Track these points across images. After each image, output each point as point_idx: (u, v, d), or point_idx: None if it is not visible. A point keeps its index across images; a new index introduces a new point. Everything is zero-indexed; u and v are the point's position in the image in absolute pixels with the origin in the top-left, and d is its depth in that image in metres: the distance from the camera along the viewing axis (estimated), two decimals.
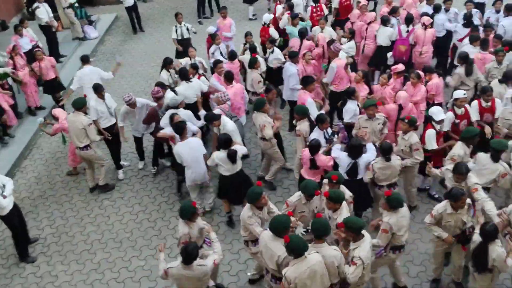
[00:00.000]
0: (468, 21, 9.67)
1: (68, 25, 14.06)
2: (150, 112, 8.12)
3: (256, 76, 9.08)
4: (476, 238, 5.11)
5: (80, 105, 7.83)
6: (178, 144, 7.15)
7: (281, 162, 7.93)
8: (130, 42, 14.46)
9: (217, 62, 9.00)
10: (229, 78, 8.47)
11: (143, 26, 15.02)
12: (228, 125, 7.38)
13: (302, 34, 9.84)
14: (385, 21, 9.96)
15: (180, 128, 7.13)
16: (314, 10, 11.35)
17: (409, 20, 9.89)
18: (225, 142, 6.74)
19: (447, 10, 10.40)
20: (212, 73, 9.32)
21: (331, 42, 9.34)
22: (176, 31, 11.31)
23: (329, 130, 7.18)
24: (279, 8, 11.72)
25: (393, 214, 5.27)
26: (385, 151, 6.28)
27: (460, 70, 8.41)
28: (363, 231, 4.91)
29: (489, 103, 7.25)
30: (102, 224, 7.81)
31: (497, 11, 10.20)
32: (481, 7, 10.93)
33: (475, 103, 7.34)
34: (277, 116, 7.87)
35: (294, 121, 7.57)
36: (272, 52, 9.81)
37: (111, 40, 14.69)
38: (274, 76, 9.78)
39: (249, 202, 5.57)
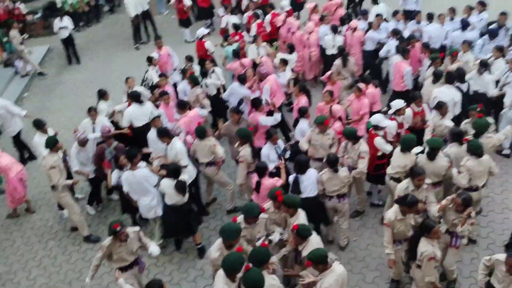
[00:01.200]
0: (395, 35, 9.97)
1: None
2: (98, 151, 7.73)
3: (201, 93, 9.07)
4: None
5: (51, 145, 7.28)
6: (126, 173, 6.88)
7: (231, 185, 7.75)
8: (65, 74, 14.03)
9: (163, 94, 8.78)
10: (181, 106, 8.29)
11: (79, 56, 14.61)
12: (176, 144, 7.18)
13: (237, 54, 9.99)
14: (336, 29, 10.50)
15: (131, 155, 6.79)
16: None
17: (334, 29, 10.52)
18: (174, 171, 6.53)
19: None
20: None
21: (256, 64, 9.51)
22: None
23: (281, 145, 7.23)
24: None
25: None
26: (332, 163, 6.39)
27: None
28: (334, 263, 4.81)
29: (420, 108, 7.68)
30: (49, 266, 7.42)
31: (418, 22, 10.71)
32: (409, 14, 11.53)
33: (409, 110, 7.63)
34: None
35: (236, 145, 7.38)
36: (213, 72, 9.70)
37: (45, 72, 14.16)
38: (216, 105, 9.51)
39: (224, 240, 5.15)
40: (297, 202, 5.61)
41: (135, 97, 8.50)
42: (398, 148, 6.65)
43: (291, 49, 10.17)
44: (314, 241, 5.18)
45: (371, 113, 8.03)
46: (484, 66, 8.21)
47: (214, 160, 7.39)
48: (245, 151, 7.02)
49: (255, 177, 6.48)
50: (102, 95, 9.07)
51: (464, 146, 6.39)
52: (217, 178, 7.66)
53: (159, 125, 7.64)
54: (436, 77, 8.21)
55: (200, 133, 7.33)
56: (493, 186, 7.69)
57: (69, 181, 7.50)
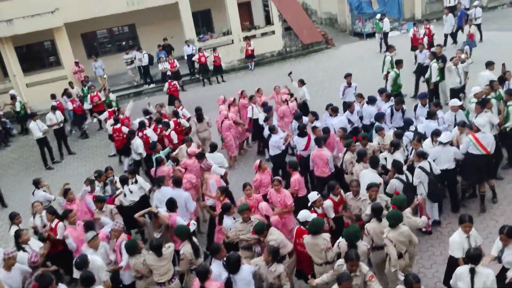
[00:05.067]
0: (302, 131, 10.25)
1: None
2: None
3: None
4: None
5: None
6: None
7: None
8: None
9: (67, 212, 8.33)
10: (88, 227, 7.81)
11: None
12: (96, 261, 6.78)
13: (158, 162, 9.90)
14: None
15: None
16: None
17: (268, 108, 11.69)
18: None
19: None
20: None
21: (200, 156, 9.49)
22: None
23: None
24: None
25: None
26: (273, 254, 6.27)
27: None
28: None
29: (339, 197, 7.80)
30: None
31: (331, 114, 11.38)
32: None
33: (329, 201, 7.71)
34: None
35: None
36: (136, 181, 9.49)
37: None
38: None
39: None
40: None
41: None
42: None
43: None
44: None
45: (296, 199, 8.16)
46: (394, 146, 8.81)
47: None
48: (187, 247, 6.79)
49: (196, 282, 6.03)
50: (13, 217, 8.54)
51: (383, 222, 6.62)
52: None
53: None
54: (359, 156, 8.62)
55: (132, 249, 6.88)
56: (422, 261, 7.89)
57: None
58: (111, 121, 12.72)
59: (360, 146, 9.21)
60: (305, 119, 11.02)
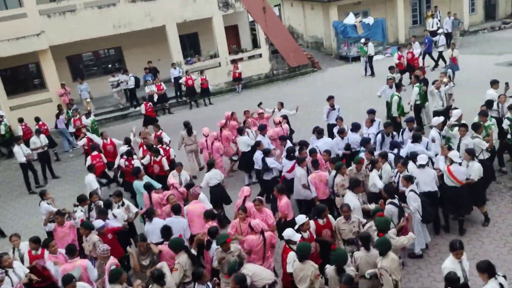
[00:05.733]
0: (290, 155, 10.23)
1: None
2: None
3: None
4: None
5: None
6: None
7: None
8: None
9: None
10: (70, 252, 7.56)
11: None
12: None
13: (149, 188, 9.79)
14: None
15: None
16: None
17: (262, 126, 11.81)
18: None
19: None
20: None
21: (189, 186, 9.33)
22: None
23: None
24: None
25: None
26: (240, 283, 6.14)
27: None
28: None
29: (325, 220, 7.71)
30: None
31: (317, 137, 11.38)
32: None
33: (312, 224, 7.60)
34: None
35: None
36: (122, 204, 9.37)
37: None
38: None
39: None
40: None
41: None
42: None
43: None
44: None
45: (285, 223, 8.08)
46: (371, 163, 8.87)
47: None
48: (183, 257, 6.80)
49: None
50: None
51: (372, 251, 6.56)
52: None
53: None
54: (353, 185, 8.43)
55: (113, 277, 6.59)
56: (410, 284, 7.80)
57: None
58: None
59: (353, 170, 9.20)
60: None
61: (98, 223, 8.33)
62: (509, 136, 10.27)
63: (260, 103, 14.25)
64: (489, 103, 10.94)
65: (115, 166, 12.28)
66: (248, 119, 12.99)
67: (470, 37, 25.88)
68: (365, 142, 10.17)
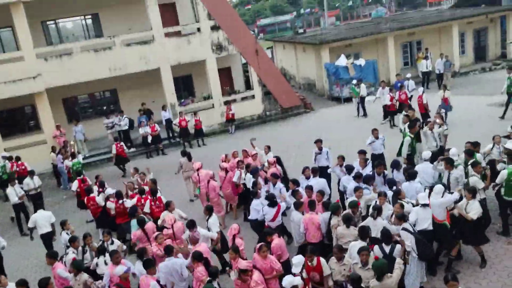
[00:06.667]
0: (271, 201, 10.00)
1: None
2: None
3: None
4: None
5: None
6: None
7: None
8: None
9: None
10: None
11: None
12: None
13: (141, 223, 9.78)
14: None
15: None
16: (153, 203, 11.29)
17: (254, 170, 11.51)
18: None
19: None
20: None
21: (191, 224, 9.12)
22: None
23: None
24: None
25: None
26: None
27: None
28: None
29: (314, 262, 7.58)
30: None
31: (307, 177, 11.34)
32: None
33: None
34: None
35: None
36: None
37: None
38: None
39: None
40: None
41: None
42: None
43: None
44: None
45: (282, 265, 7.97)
46: (376, 210, 8.73)
47: None
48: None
49: None
50: None
51: None
52: None
53: None
54: (346, 220, 8.49)
55: None
56: None
57: None
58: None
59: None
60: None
61: (120, 268, 8.07)
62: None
63: (254, 139, 14.41)
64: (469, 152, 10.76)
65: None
66: (245, 158, 13.02)
67: (461, 78, 26.40)
68: (368, 179, 10.15)
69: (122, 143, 17.67)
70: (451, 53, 26.78)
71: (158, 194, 11.38)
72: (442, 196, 8.84)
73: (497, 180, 9.86)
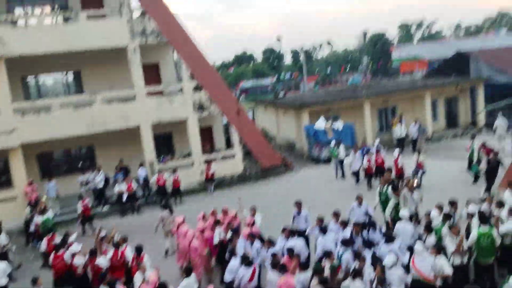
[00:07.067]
0: (247, 261, 9.83)
1: None
2: None
3: None
4: None
5: None
6: None
7: None
8: None
9: None
10: None
11: None
12: None
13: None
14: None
15: None
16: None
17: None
18: None
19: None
20: None
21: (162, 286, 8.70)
22: None
23: None
24: None
25: None
26: None
27: None
28: None
29: None
30: None
31: (286, 237, 11.23)
32: None
33: None
34: None
35: None
36: None
37: None
38: None
39: None
40: None
41: None
42: None
43: None
44: None
45: None
46: (356, 273, 8.49)
47: None
48: None
49: None
50: None
51: None
52: None
53: None
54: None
55: None
56: None
57: None
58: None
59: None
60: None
61: None
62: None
63: (240, 198, 14.40)
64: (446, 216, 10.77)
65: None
66: (224, 217, 12.79)
67: (434, 144, 27.09)
68: (347, 242, 9.97)
69: (87, 201, 17.21)
70: (424, 120, 27.68)
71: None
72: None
73: (468, 243, 9.72)
